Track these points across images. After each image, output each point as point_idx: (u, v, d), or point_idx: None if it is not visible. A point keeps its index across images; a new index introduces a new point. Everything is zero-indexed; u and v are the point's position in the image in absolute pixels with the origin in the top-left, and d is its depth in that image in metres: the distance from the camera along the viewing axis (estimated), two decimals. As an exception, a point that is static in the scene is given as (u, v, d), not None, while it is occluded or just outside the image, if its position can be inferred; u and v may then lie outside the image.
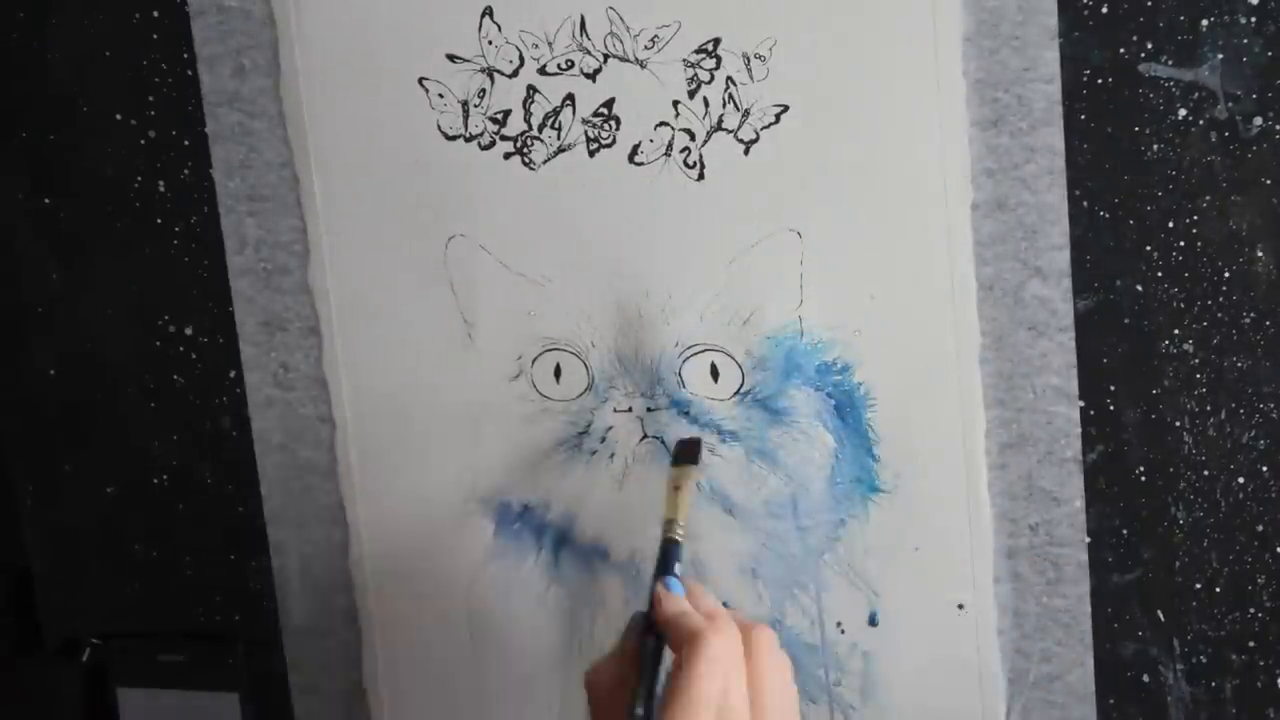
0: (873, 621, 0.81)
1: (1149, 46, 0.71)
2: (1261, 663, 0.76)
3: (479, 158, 0.80)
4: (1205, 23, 0.70)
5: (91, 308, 0.91)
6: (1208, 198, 0.72)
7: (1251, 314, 0.73)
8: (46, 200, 0.90)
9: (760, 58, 0.75)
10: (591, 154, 0.79)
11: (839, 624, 0.81)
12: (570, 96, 0.78)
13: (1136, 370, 0.75)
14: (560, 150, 0.79)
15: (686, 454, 0.78)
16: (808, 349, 0.78)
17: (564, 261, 0.81)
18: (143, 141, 0.87)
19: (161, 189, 0.88)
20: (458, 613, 0.87)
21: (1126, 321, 0.74)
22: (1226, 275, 0.72)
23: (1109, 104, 0.72)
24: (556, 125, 0.79)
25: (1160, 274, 0.73)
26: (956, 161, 0.74)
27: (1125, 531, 0.77)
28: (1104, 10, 0.71)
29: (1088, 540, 0.77)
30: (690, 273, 0.79)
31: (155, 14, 0.85)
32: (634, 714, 0.65)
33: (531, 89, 0.79)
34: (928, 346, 0.76)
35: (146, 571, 0.94)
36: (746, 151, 0.76)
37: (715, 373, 0.79)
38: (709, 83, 0.76)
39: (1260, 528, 0.75)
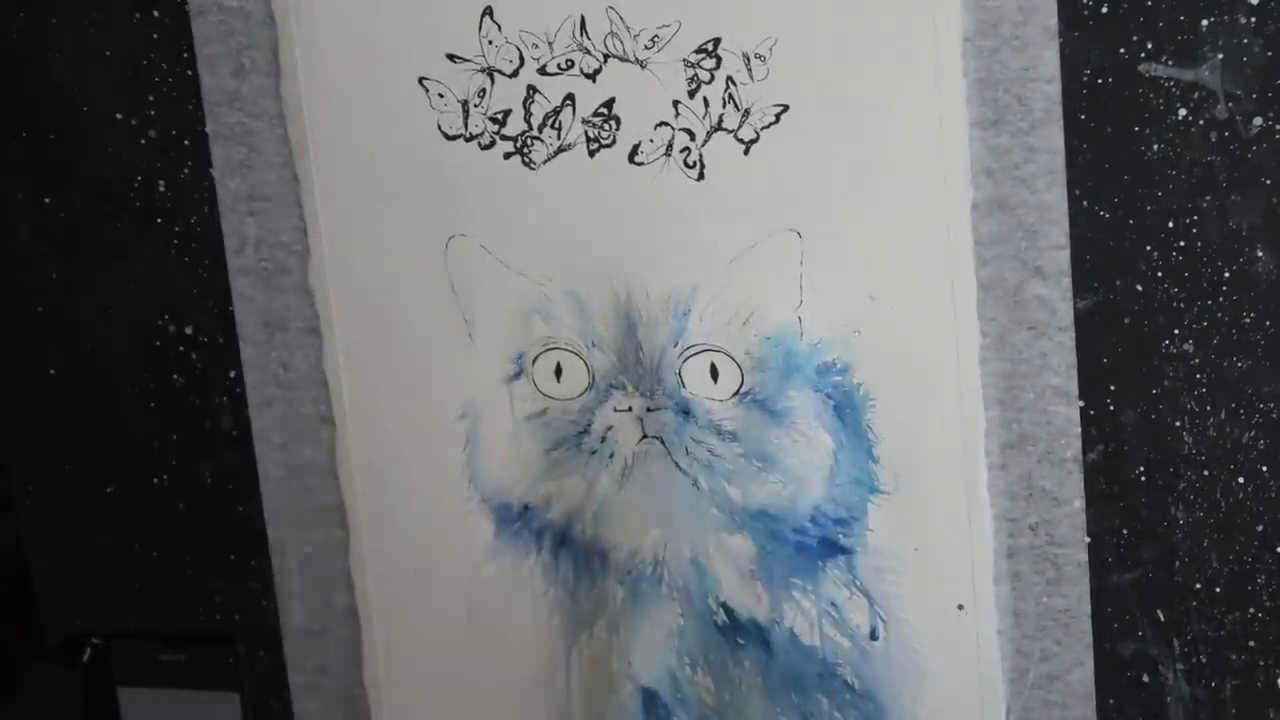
0: (874, 633, 0.81)
1: (1149, 46, 0.71)
2: (1261, 663, 0.76)
3: (479, 158, 0.80)
4: (1205, 23, 0.70)
5: (91, 308, 0.91)
6: (1208, 198, 0.72)
7: (1251, 314, 0.73)
8: (46, 200, 0.90)
9: (760, 58, 0.75)
10: (591, 154, 0.79)
11: (838, 625, 0.81)
12: (570, 96, 0.78)
13: (1136, 370, 0.75)
14: (560, 150, 0.79)
15: None
16: (807, 349, 0.78)
17: (564, 261, 0.81)
18: (143, 141, 0.87)
19: (161, 189, 0.88)
20: (458, 613, 0.87)
21: (1126, 321, 0.74)
22: (1226, 275, 0.72)
23: (1109, 104, 0.72)
24: (556, 125, 0.79)
25: (1160, 274, 0.73)
26: (956, 161, 0.73)
27: (1125, 531, 0.77)
28: (1104, 10, 0.71)
29: (1088, 540, 0.77)
30: (690, 273, 0.79)
31: (155, 14, 0.85)
32: None
33: (531, 89, 0.79)
34: (928, 346, 0.76)
35: (146, 571, 0.94)
36: (746, 151, 0.76)
37: (715, 373, 0.79)
38: (709, 83, 0.76)
39: (1260, 528, 0.75)
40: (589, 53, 0.77)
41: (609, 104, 0.78)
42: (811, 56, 0.74)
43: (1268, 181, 0.71)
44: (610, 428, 0.82)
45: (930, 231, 0.75)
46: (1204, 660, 0.77)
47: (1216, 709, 0.77)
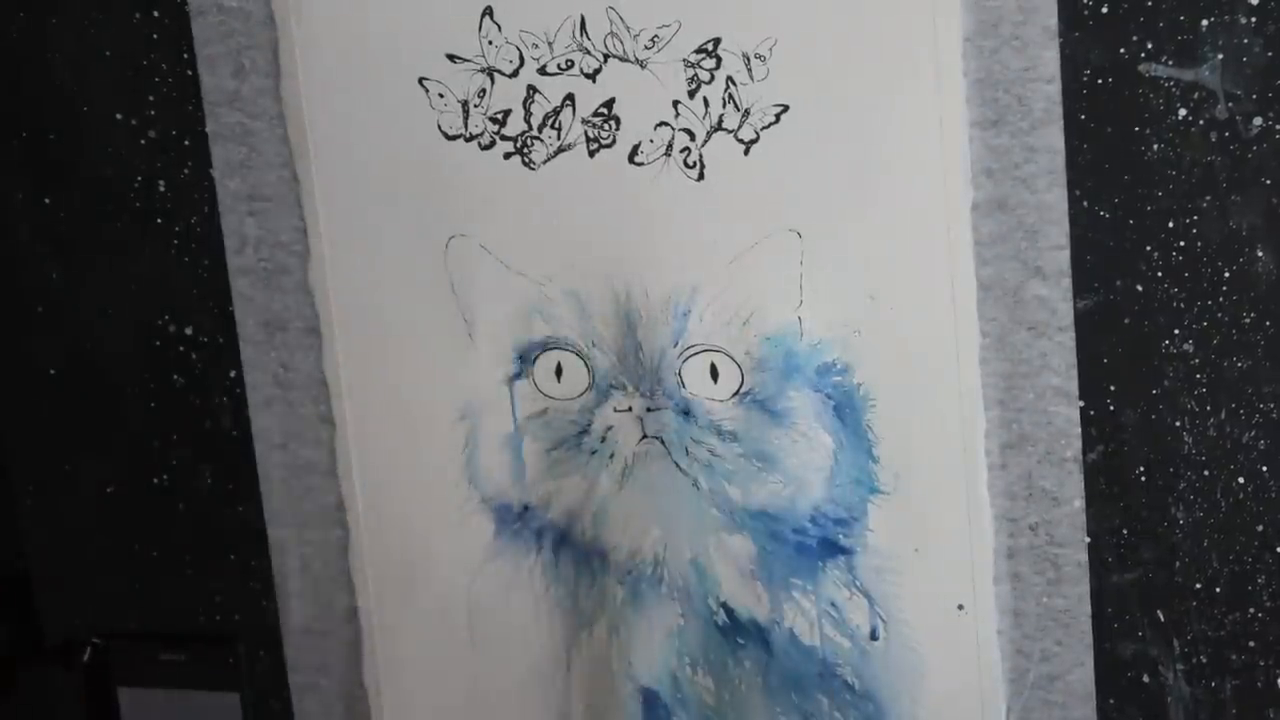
0: (874, 633, 0.81)
1: (1149, 46, 0.71)
2: (1261, 663, 0.76)
3: (479, 158, 0.80)
4: (1205, 23, 0.70)
5: (91, 308, 0.91)
6: (1208, 198, 0.72)
7: (1251, 314, 0.73)
8: (46, 200, 0.90)
9: (760, 58, 0.75)
10: (591, 154, 0.79)
11: (838, 625, 0.81)
12: (570, 96, 0.78)
13: (1136, 370, 0.75)
14: (560, 150, 0.79)
15: None
16: (807, 349, 0.78)
17: (564, 261, 0.81)
18: (143, 141, 0.87)
19: (161, 189, 0.88)
20: (458, 613, 0.87)
21: (1126, 321, 0.74)
22: (1226, 275, 0.72)
23: (1109, 104, 0.72)
24: (556, 125, 0.79)
25: (1160, 274, 0.73)
26: (956, 161, 0.74)
27: (1125, 531, 0.77)
28: (1104, 10, 0.71)
29: (1088, 540, 0.77)
30: (690, 273, 0.79)
31: (155, 14, 0.85)
32: None
33: (531, 89, 0.79)
34: (928, 346, 0.76)
35: (146, 571, 0.94)
36: (746, 151, 0.76)
37: (715, 373, 0.79)
38: (709, 83, 0.76)
39: (1260, 528, 0.75)
40: (589, 53, 0.77)
41: (609, 104, 0.78)
42: (811, 56, 0.74)
43: (1268, 181, 0.71)
44: (610, 428, 0.82)
45: (930, 231, 0.75)
46: (1204, 660, 0.77)
47: (1216, 709, 0.77)
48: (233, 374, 0.89)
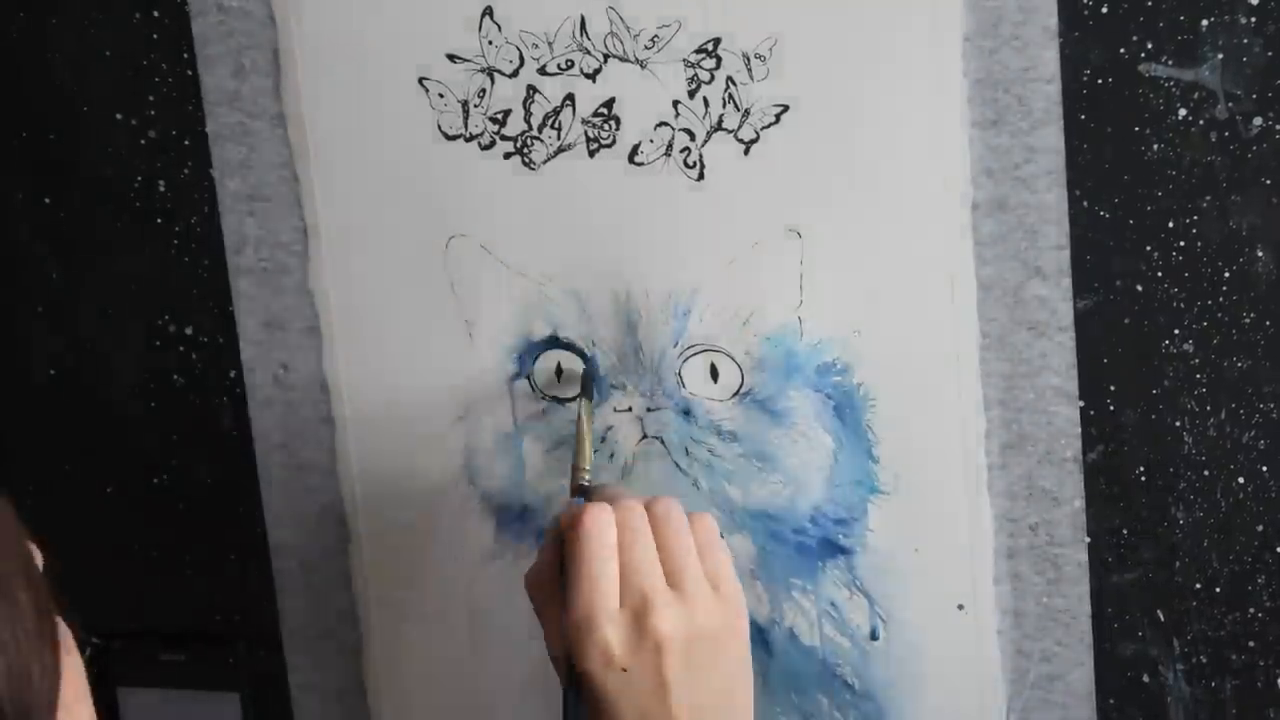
0: (874, 633, 0.81)
1: (1149, 46, 0.71)
2: (1261, 663, 0.76)
3: (479, 158, 0.80)
4: (1205, 23, 0.70)
5: (91, 308, 0.91)
6: (1208, 198, 0.72)
7: (1251, 314, 0.73)
8: (46, 200, 0.90)
9: (760, 57, 0.75)
10: (591, 154, 0.79)
11: (838, 625, 0.81)
12: (570, 96, 0.78)
13: (1136, 370, 0.75)
14: (560, 150, 0.79)
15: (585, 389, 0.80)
16: (807, 349, 0.78)
17: (564, 261, 0.81)
18: (143, 141, 0.87)
19: (161, 189, 0.88)
20: (458, 613, 0.87)
21: (1126, 321, 0.74)
22: (1226, 275, 0.72)
23: (1109, 104, 0.72)
24: (556, 125, 0.79)
25: (1160, 274, 0.73)
26: (956, 161, 0.73)
27: (1125, 531, 0.77)
28: (1104, 10, 0.71)
29: (1088, 540, 0.77)
30: (690, 273, 0.79)
31: (155, 14, 0.85)
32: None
33: (531, 89, 0.79)
34: (928, 346, 0.76)
35: (146, 571, 0.94)
36: (746, 151, 0.76)
37: (715, 373, 0.79)
38: (709, 83, 0.76)
39: (1260, 528, 0.75)
40: (589, 53, 0.77)
41: (609, 104, 0.78)
42: (811, 56, 0.74)
43: (1268, 181, 0.71)
44: (610, 428, 0.82)
45: (930, 231, 0.75)
46: (1204, 660, 0.77)
47: (1216, 709, 0.77)
48: (233, 374, 0.89)
